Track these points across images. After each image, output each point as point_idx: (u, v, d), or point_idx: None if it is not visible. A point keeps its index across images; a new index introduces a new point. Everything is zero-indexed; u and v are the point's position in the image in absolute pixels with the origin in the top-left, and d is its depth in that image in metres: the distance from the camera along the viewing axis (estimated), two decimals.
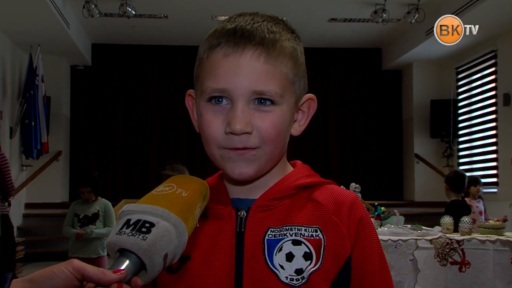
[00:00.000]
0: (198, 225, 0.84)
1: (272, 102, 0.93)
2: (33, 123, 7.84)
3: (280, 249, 0.93)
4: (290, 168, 1.05)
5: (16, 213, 8.10)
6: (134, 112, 10.02)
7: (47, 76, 8.51)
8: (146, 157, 9.92)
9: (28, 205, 8.92)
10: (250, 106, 0.92)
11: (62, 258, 6.47)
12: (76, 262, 0.73)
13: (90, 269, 0.72)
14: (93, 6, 7.47)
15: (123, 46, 9.96)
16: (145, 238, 0.74)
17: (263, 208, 0.97)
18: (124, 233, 0.75)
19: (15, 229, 8.12)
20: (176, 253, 0.78)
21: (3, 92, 7.73)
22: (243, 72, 0.91)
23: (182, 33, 9.20)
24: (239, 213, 0.98)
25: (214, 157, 0.96)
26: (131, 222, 0.77)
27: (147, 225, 0.76)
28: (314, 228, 0.95)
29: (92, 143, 9.94)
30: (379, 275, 0.98)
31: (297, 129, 1.03)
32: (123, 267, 0.73)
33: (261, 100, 0.93)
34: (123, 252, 0.75)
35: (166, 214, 0.77)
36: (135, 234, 0.75)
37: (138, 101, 10.03)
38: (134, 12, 7.63)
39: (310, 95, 1.03)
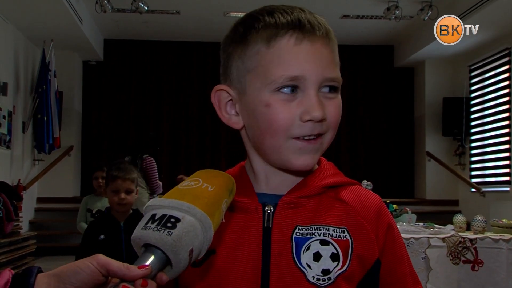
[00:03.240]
0: (224, 220, 0.84)
1: (335, 90, 0.95)
2: (45, 118, 7.88)
3: (308, 248, 0.92)
4: (315, 165, 1.04)
5: (28, 207, 8.16)
6: (145, 107, 10.03)
7: (60, 71, 8.54)
8: (158, 153, 9.93)
9: (40, 200, 8.97)
10: (319, 93, 0.93)
11: (73, 253, 6.52)
12: (101, 257, 0.72)
13: (115, 264, 0.72)
14: (105, 1, 7.49)
15: (135, 41, 9.97)
16: (170, 233, 0.73)
17: (290, 205, 0.96)
18: (149, 228, 0.75)
19: (26, 223, 8.21)
20: (201, 249, 0.77)
21: (16, 87, 7.77)
22: (316, 59, 0.92)
23: (194, 29, 9.20)
24: (266, 208, 0.96)
25: (277, 148, 0.94)
26: (157, 217, 0.76)
27: (172, 220, 0.75)
28: (342, 229, 0.94)
29: (103, 138, 9.97)
30: (411, 276, 0.99)
31: None
32: (148, 262, 0.73)
33: (327, 87, 0.94)
34: (148, 248, 0.74)
35: (191, 209, 0.77)
36: (160, 229, 0.74)
37: (149, 96, 10.04)
38: (146, 8, 7.65)
39: None
